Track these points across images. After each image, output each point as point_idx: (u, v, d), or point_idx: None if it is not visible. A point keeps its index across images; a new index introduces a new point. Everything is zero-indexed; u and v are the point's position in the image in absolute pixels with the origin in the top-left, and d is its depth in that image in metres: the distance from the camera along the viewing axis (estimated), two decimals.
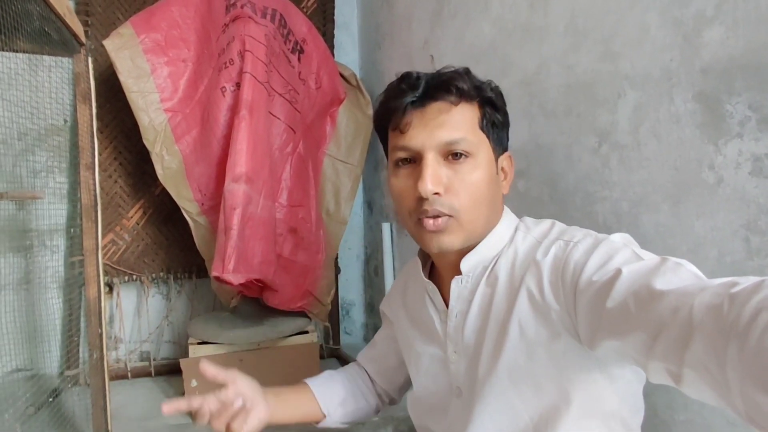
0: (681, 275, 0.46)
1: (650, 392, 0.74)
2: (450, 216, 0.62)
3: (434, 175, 0.61)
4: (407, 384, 0.87)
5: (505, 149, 0.69)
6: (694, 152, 0.70)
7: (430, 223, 0.62)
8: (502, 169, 0.68)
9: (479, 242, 0.66)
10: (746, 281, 0.39)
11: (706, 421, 0.70)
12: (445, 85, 0.62)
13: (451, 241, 0.63)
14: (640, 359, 0.46)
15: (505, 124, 0.68)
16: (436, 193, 0.61)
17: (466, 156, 0.62)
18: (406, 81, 0.64)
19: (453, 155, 0.62)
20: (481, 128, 0.64)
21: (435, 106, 0.62)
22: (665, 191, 0.74)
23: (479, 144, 0.63)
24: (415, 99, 0.63)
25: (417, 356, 0.75)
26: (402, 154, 0.64)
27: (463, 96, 0.63)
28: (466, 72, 0.65)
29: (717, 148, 0.67)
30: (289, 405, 0.82)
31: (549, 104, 0.98)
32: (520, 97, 1.05)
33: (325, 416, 0.84)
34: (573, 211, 0.91)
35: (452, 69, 0.65)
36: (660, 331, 0.43)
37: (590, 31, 0.87)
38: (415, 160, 0.64)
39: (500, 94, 0.68)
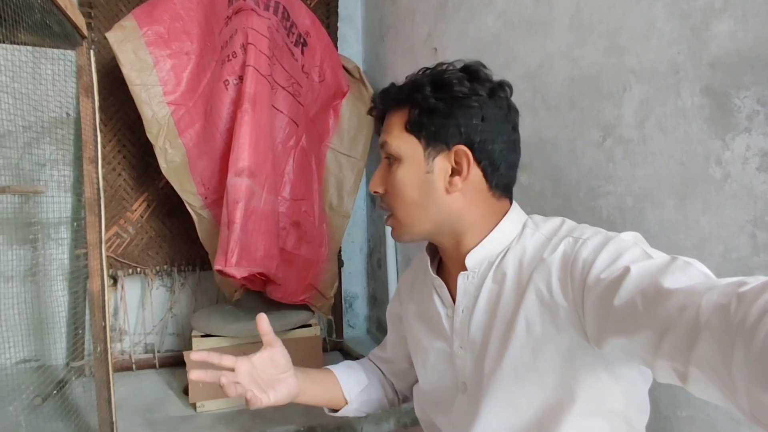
0: (690, 274, 0.46)
1: (653, 388, 0.73)
2: (392, 214, 0.69)
3: (377, 176, 0.70)
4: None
5: (459, 143, 0.64)
6: (701, 147, 0.69)
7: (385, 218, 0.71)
8: (456, 164, 0.65)
9: (475, 243, 0.67)
10: (755, 281, 0.39)
11: (709, 418, 0.69)
12: (386, 97, 0.71)
13: (397, 235, 0.70)
14: (647, 358, 0.46)
15: (445, 121, 0.64)
16: (377, 192, 0.70)
17: (393, 158, 0.68)
18: (386, 90, 0.72)
19: (387, 159, 0.69)
20: (406, 129, 0.66)
21: (388, 116, 0.71)
22: (671, 186, 0.73)
23: (404, 146, 0.66)
24: (380, 108, 0.73)
25: (424, 351, 0.75)
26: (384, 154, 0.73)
27: (390, 104, 0.70)
28: (409, 79, 0.69)
29: (724, 143, 0.66)
30: (317, 385, 0.83)
31: (552, 98, 0.97)
32: (523, 90, 1.04)
33: (346, 402, 0.86)
34: (576, 206, 0.91)
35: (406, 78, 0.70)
36: (667, 330, 0.43)
37: (596, 24, 0.86)
38: None
39: (437, 90, 0.64)
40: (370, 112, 0.74)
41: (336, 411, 0.88)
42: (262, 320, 0.75)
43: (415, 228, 0.68)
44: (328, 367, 0.89)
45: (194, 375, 0.71)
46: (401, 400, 0.92)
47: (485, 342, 0.65)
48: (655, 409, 0.75)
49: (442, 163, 0.65)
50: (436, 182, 0.65)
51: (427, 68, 0.69)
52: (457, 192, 0.65)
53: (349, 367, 0.90)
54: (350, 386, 0.86)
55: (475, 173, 0.65)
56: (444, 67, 0.67)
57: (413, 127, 0.65)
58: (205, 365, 0.72)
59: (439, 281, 0.71)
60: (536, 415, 0.61)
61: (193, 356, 0.74)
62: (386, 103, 0.70)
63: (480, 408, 0.64)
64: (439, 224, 0.67)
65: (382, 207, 0.71)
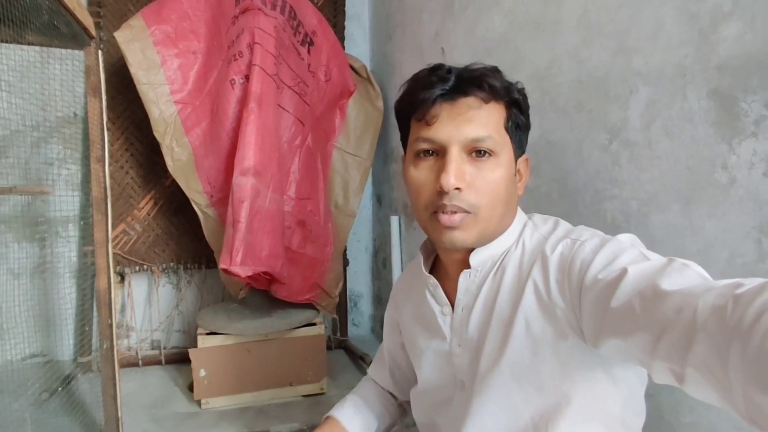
0: (687, 276, 0.46)
1: (655, 393, 0.73)
2: (467, 212, 0.61)
3: (458, 170, 0.60)
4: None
5: (523, 152, 0.68)
6: (707, 151, 0.68)
7: (446, 218, 0.61)
8: (519, 171, 0.67)
9: (489, 241, 0.66)
10: (751, 282, 0.39)
11: (711, 424, 0.69)
12: (477, 81, 0.61)
13: (463, 237, 0.62)
14: (644, 359, 0.46)
15: (527, 127, 0.67)
16: (457, 188, 0.60)
17: (489, 154, 0.61)
18: (437, 73, 0.63)
19: (477, 152, 0.61)
20: (506, 129, 0.63)
21: (465, 102, 0.61)
22: (676, 191, 0.73)
23: (503, 144, 0.62)
24: (445, 92, 0.62)
25: (420, 352, 0.75)
26: (425, 146, 0.63)
27: (494, 94, 0.62)
28: (496, 70, 0.64)
29: (731, 148, 0.65)
30: None
31: (560, 100, 0.96)
32: (531, 92, 1.02)
33: None
34: (582, 209, 0.90)
35: (482, 66, 0.65)
36: (664, 331, 0.43)
37: (604, 25, 0.85)
38: (438, 152, 0.63)
39: (525, 97, 0.67)
40: (443, 80, 0.62)
41: None
42: None
43: (489, 228, 0.64)
44: (335, 415, 0.83)
45: None
46: (409, 409, 0.90)
47: (481, 340, 0.65)
48: (658, 414, 0.75)
49: (518, 168, 0.67)
50: (517, 184, 0.67)
51: (485, 65, 0.65)
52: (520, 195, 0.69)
53: (357, 412, 0.85)
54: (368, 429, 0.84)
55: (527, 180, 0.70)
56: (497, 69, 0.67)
57: (511, 128, 0.64)
58: None
59: (432, 280, 0.71)
60: (532, 417, 0.60)
61: None
62: (492, 92, 0.62)
63: (474, 407, 0.64)
64: (502, 224, 0.66)
65: (455, 207, 0.61)
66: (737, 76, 0.63)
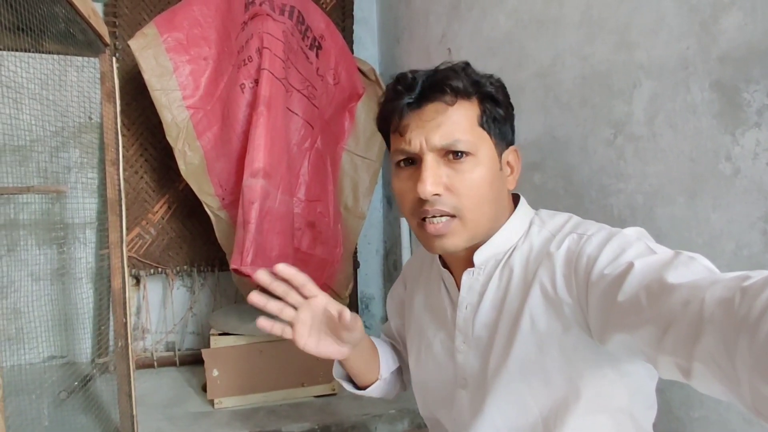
0: (693, 269, 0.46)
1: (665, 389, 0.72)
2: (453, 216, 0.61)
3: (434, 176, 0.60)
4: None
5: (510, 143, 0.67)
6: (711, 143, 0.68)
7: (431, 227, 0.61)
8: (508, 163, 0.66)
9: (485, 240, 0.65)
10: (758, 275, 0.38)
11: (721, 418, 0.68)
12: (439, 86, 0.61)
13: (454, 243, 0.62)
14: (650, 353, 0.46)
15: (507, 118, 0.65)
16: (437, 194, 0.60)
17: (466, 155, 0.61)
18: (402, 82, 0.63)
19: (453, 154, 0.61)
20: (481, 125, 0.62)
21: (431, 107, 0.61)
22: (681, 183, 0.72)
23: (479, 142, 0.62)
24: (411, 100, 0.62)
25: (429, 343, 0.75)
26: (401, 156, 0.64)
27: (459, 94, 0.61)
28: (464, 68, 0.64)
29: (734, 138, 0.65)
30: (361, 358, 0.77)
31: (564, 96, 0.96)
32: (535, 89, 1.04)
33: (378, 379, 0.81)
34: (588, 204, 0.90)
35: (449, 65, 0.64)
36: (670, 325, 0.43)
37: (605, 20, 0.85)
38: (414, 161, 0.63)
39: (501, 88, 0.65)
40: (408, 89, 0.62)
41: (359, 388, 0.83)
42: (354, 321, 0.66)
43: (479, 230, 0.63)
44: (372, 338, 0.83)
45: (255, 298, 0.64)
46: (406, 388, 0.90)
47: (491, 340, 0.65)
48: (668, 409, 0.74)
49: (504, 161, 0.66)
50: (504, 179, 0.65)
51: (452, 64, 0.65)
52: (511, 190, 0.67)
53: (386, 346, 0.86)
54: (388, 363, 0.83)
55: (519, 173, 0.68)
56: (466, 66, 0.66)
57: (487, 122, 0.62)
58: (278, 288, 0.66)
59: (447, 274, 0.71)
60: (541, 412, 0.60)
61: (278, 269, 0.64)
62: (455, 93, 0.61)
63: (485, 405, 0.64)
64: (493, 223, 0.64)
65: (438, 212, 0.61)
66: (739, 66, 0.63)
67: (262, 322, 0.64)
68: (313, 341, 0.67)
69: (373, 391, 0.82)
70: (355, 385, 0.83)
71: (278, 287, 0.65)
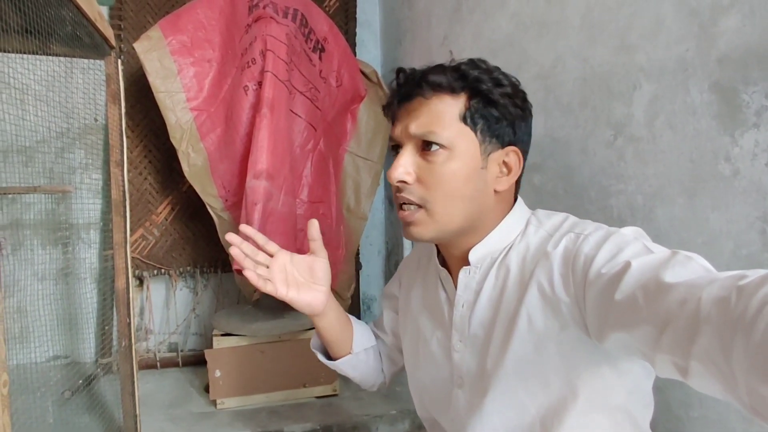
0: (690, 268, 0.46)
1: (664, 388, 0.73)
2: (420, 207, 0.64)
3: (403, 165, 0.64)
4: (401, 371, 0.88)
5: (511, 143, 0.65)
6: (710, 144, 0.68)
7: (402, 213, 0.66)
8: (505, 163, 0.65)
9: (479, 239, 0.66)
10: (754, 274, 0.39)
11: (720, 417, 0.68)
12: (418, 80, 0.65)
13: (420, 232, 0.65)
14: (648, 352, 0.46)
15: (503, 118, 0.64)
16: (404, 182, 0.64)
17: (440, 147, 0.62)
18: (397, 78, 0.69)
19: (426, 145, 0.63)
20: (464, 120, 0.63)
21: (416, 100, 0.65)
22: (681, 184, 0.73)
23: (457, 137, 0.62)
24: (401, 93, 0.67)
25: (426, 341, 0.75)
26: (391, 143, 0.69)
27: (438, 89, 0.63)
28: (457, 65, 0.66)
29: (733, 139, 0.65)
30: (338, 319, 0.82)
31: (565, 97, 0.97)
32: (536, 90, 1.05)
33: (350, 353, 0.84)
34: (588, 205, 0.91)
35: (439, 64, 0.67)
36: (667, 324, 0.43)
37: (606, 23, 0.86)
38: (399, 149, 0.67)
39: (500, 86, 0.64)
40: (399, 83, 0.67)
41: (331, 359, 0.86)
42: (313, 226, 0.77)
43: (449, 224, 0.64)
44: (350, 316, 0.88)
45: (231, 237, 0.74)
46: (387, 383, 0.92)
47: (487, 338, 0.65)
48: (667, 409, 0.74)
49: (495, 161, 0.64)
50: (488, 179, 0.64)
51: (460, 61, 0.67)
52: (501, 191, 0.66)
53: (364, 326, 0.89)
54: (362, 339, 0.86)
55: (517, 175, 0.67)
56: (484, 63, 0.67)
57: (472, 119, 0.62)
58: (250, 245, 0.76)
59: (445, 273, 0.72)
60: (539, 412, 0.61)
61: (242, 228, 0.76)
62: (432, 87, 0.63)
63: (481, 405, 0.65)
64: (470, 221, 0.65)
65: (405, 199, 0.64)
66: (738, 68, 0.64)
67: (249, 273, 0.72)
68: (293, 291, 0.75)
69: (345, 364, 0.85)
70: (329, 358, 0.87)
71: (247, 247, 0.75)
